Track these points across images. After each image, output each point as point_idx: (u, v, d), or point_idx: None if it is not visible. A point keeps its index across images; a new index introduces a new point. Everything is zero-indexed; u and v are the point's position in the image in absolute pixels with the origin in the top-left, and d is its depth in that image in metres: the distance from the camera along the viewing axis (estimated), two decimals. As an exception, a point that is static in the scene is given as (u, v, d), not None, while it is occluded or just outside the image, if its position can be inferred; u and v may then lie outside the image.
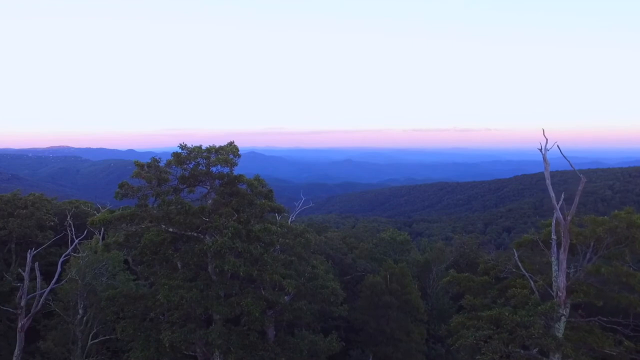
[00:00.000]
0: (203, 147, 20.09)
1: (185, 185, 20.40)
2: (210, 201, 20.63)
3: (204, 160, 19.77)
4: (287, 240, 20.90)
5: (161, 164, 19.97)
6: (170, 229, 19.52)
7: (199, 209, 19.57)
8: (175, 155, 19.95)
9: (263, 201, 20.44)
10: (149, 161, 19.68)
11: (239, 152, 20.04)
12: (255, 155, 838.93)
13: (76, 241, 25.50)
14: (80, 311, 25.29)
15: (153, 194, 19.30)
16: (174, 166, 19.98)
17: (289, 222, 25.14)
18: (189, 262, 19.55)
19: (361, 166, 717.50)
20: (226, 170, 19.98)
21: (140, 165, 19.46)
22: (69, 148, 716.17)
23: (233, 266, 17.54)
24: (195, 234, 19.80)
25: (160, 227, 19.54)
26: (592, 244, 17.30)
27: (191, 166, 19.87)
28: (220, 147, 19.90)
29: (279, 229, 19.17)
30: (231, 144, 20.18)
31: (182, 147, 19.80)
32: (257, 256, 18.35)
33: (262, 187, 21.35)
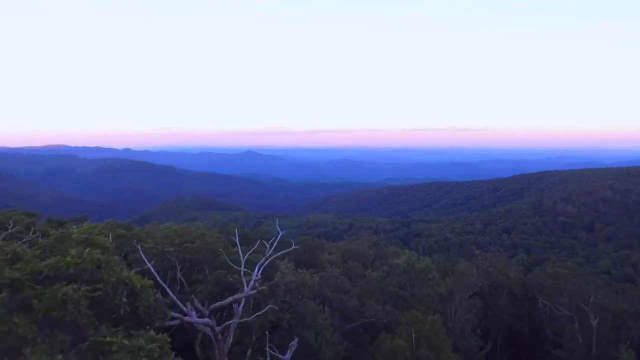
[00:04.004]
0: None
1: None
2: None
3: None
4: None
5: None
6: None
7: None
8: None
9: None
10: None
11: None
12: (253, 154, 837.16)
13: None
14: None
15: None
16: None
17: (259, 270, 15.90)
18: None
19: (359, 165, 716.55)
20: None
21: None
22: (64, 147, 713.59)
23: None
24: None
25: None
26: None
27: None
28: None
29: None
30: None
31: None
32: None
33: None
